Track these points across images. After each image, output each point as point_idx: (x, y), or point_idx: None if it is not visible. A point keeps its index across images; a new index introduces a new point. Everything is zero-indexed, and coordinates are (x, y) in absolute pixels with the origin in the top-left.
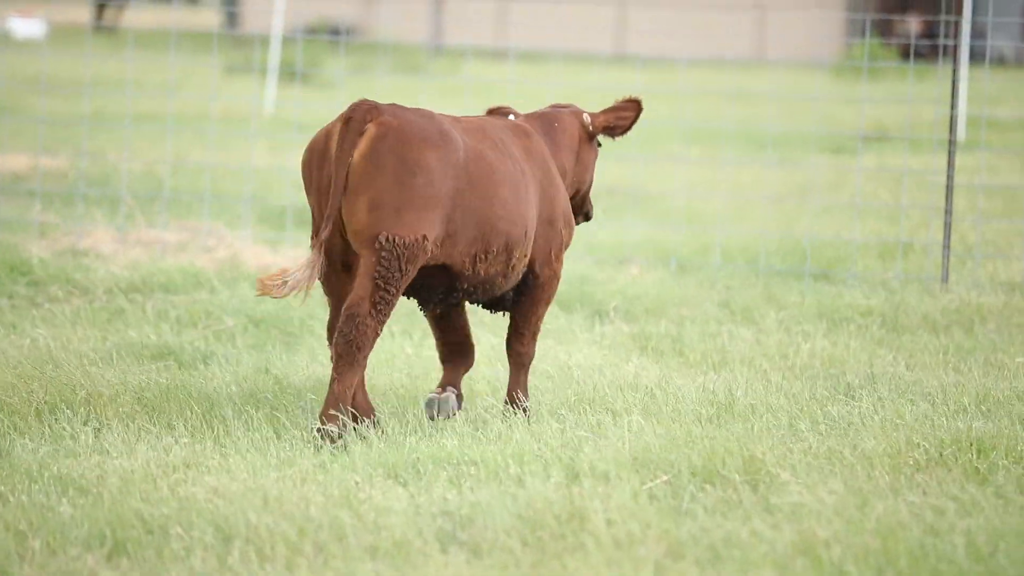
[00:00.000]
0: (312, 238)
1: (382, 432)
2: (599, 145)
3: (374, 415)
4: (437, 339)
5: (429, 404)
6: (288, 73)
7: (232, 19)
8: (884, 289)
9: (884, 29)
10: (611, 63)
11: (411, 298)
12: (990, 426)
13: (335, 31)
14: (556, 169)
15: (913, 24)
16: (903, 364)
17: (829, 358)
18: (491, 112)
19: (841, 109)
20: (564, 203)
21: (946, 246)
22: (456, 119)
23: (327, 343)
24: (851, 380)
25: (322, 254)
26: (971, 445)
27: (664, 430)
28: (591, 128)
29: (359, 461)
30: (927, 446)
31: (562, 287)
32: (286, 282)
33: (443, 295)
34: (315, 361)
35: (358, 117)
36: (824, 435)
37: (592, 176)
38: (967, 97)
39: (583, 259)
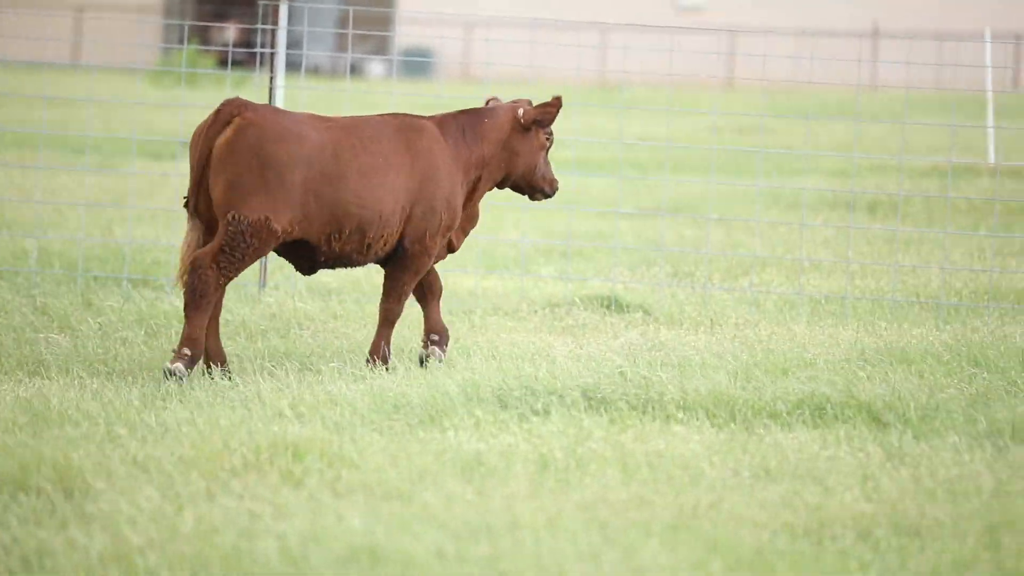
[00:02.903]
0: (184, 198)
1: (230, 378)
2: (549, 136)
3: (225, 363)
4: None
5: (421, 359)
6: None
7: None
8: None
9: (202, 36)
10: None
11: (289, 261)
12: (306, 430)
13: None
14: (448, 161)
15: (231, 32)
16: (217, 369)
17: None
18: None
19: (159, 115)
20: (448, 191)
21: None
22: (324, 118)
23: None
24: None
25: (196, 217)
26: (287, 449)
27: None
28: (523, 120)
29: None
30: (244, 451)
31: None
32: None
33: (309, 264)
34: None
35: (226, 111)
36: (142, 441)
37: (529, 161)
38: (283, 103)
39: None
